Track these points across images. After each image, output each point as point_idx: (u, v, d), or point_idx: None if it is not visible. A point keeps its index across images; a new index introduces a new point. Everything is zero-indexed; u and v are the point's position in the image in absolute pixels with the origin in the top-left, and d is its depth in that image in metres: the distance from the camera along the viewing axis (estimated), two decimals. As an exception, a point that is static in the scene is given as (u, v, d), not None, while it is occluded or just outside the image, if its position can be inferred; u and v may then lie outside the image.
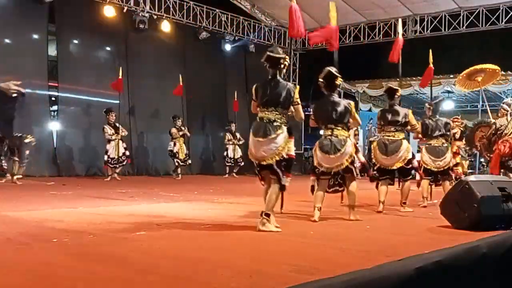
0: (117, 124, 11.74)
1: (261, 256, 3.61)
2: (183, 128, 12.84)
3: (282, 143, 4.73)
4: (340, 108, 5.60)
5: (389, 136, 6.70)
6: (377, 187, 6.81)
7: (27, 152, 5.31)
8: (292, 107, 4.94)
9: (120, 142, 11.51)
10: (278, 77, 4.91)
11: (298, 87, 5.00)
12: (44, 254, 3.51)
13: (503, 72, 14.96)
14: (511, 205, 4.99)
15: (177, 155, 12.63)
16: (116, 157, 11.36)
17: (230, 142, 14.28)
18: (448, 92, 17.64)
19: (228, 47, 16.08)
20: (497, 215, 4.91)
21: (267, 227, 4.61)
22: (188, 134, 13.08)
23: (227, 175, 14.15)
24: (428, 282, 2.84)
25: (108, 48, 13.82)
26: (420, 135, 7.47)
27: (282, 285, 2.55)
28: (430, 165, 7.34)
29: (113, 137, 11.33)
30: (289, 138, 4.79)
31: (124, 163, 11.79)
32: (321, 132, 5.80)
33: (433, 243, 3.94)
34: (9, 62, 11.04)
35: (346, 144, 5.53)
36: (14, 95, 4.63)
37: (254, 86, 5.04)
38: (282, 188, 4.80)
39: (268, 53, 4.93)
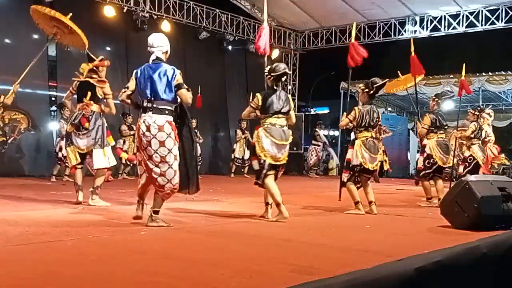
0: (133, 126, 11.90)
1: (261, 256, 3.61)
2: (133, 126, 12.52)
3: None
4: None
5: (444, 137, 7.52)
6: (417, 183, 7.58)
7: None
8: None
9: None
10: (281, 88, 5.55)
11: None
12: (44, 253, 3.52)
13: (503, 72, 14.99)
14: (511, 205, 5.00)
15: (127, 153, 11.98)
16: None
17: None
18: (448, 92, 17.64)
19: (229, 47, 15.99)
20: (497, 215, 4.92)
21: None
22: None
23: None
24: (428, 282, 2.84)
25: (108, 48, 13.79)
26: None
27: (282, 285, 2.55)
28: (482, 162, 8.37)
29: None
30: None
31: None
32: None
33: (433, 243, 3.95)
34: (9, 62, 11.04)
35: None
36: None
37: (262, 95, 5.47)
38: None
39: (286, 70, 5.53)
